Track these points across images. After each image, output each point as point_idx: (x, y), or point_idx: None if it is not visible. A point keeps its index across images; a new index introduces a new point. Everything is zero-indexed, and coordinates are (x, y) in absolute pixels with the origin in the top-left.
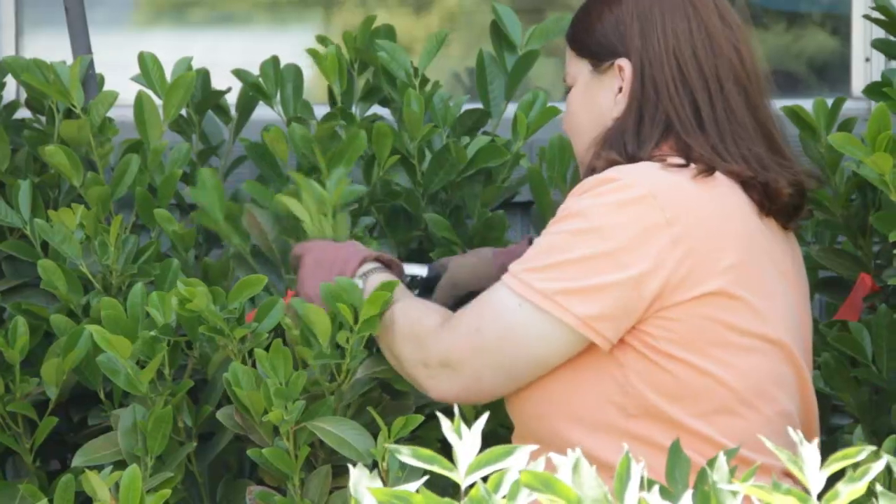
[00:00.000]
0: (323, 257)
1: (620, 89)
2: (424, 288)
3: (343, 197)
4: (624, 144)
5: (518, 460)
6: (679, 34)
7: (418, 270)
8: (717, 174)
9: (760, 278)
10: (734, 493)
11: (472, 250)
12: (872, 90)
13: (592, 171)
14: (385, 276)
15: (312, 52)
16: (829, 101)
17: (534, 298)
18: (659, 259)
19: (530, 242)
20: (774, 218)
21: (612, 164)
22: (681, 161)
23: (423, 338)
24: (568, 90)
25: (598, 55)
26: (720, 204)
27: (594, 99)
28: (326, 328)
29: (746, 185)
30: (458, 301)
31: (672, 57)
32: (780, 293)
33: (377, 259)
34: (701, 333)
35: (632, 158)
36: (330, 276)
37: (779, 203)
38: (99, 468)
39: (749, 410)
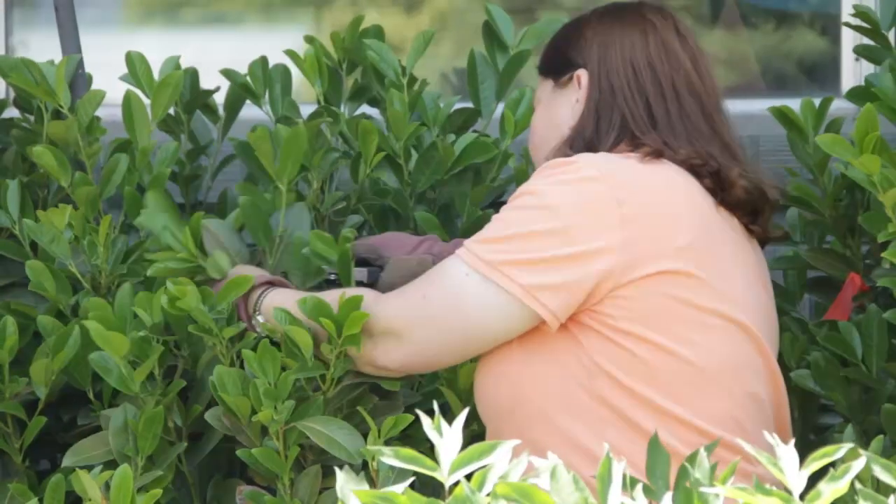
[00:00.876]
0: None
1: (578, 100)
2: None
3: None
4: (583, 143)
5: (501, 456)
6: (636, 46)
7: (358, 276)
8: (665, 161)
9: (717, 261)
10: (716, 496)
11: (418, 242)
12: (855, 94)
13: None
14: (273, 297)
15: (291, 54)
16: (817, 101)
17: (480, 268)
18: (608, 238)
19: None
20: (736, 216)
21: (567, 155)
22: (629, 149)
23: (364, 308)
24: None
25: (559, 71)
26: (670, 186)
27: (554, 112)
28: (308, 344)
29: (696, 172)
30: None
31: (629, 65)
32: (744, 284)
33: (261, 285)
34: (658, 310)
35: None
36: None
37: (733, 195)
38: (89, 468)
39: (718, 389)
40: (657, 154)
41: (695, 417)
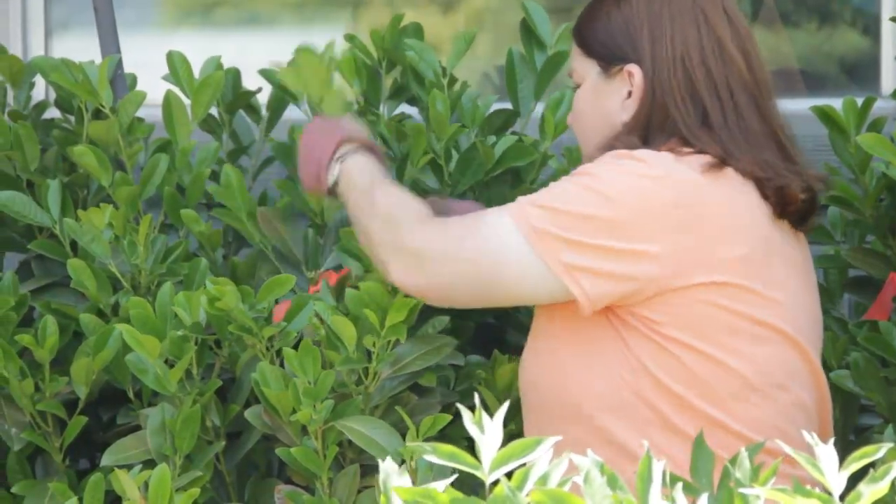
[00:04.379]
0: (310, 141)
1: (629, 94)
2: None
3: (337, 64)
4: (633, 143)
5: (542, 453)
6: (689, 42)
7: None
8: (729, 170)
9: (770, 272)
10: (756, 497)
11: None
12: None
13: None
14: (362, 159)
15: None
16: (859, 101)
17: (526, 231)
18: (658, 242)
19: None
20: (787, 220)
21: (631, 147)
22: (692, 149)
23: (402, 221)
24: (575, 87)
25: (607, 58)
26: (730, 197)
27: (602, 102)
28: (352, 334)
29: (761, 184)
30: None
31: (681, 65)
32: (792, 289)
33: (353, 140)
34: (706, 320)
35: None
36: (313, 164)
37: (792, 208)
38: (128, 467)
39: (762, 399)
40: (721, 163)
41: (737, 424)
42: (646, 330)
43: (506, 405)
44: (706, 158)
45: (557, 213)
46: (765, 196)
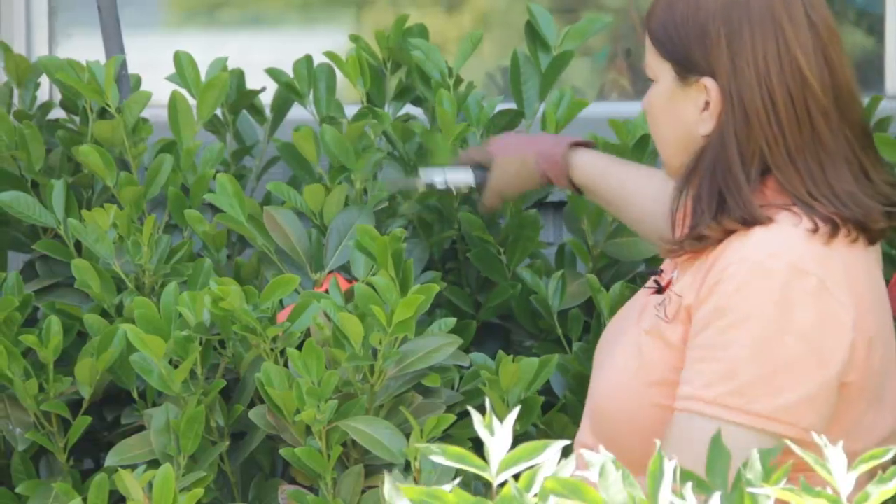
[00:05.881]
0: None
1: (706, 104)
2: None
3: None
4: (725, 169)
5: (550, 456)
6: (769, 60)
7: (464, 179)
8: (840, 234)
9: (888, 334)
10: (766, 497)
11: (512, 143)
12: None
13: (701, 237)
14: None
15: (331, 56)
16: (864, 101)
17: (758, 424)
18: (848, 348)
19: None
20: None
21: (727, 233)
22: (808, 225)
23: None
24: (646, 74)
25: (683, 65)
26: (864, 270)
27: (678, 110)
28: (359, 331)
29: (847, 223)
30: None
31: (763, 86)
32: (887, 338)
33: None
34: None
35: (745, 216)
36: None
37: (871, 233)
38: (132, 467)
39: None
40: (834, 228)
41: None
42: None
43: (517, 409)
44: (823, 230)
45: (763, 381)
46: (849, 233)
